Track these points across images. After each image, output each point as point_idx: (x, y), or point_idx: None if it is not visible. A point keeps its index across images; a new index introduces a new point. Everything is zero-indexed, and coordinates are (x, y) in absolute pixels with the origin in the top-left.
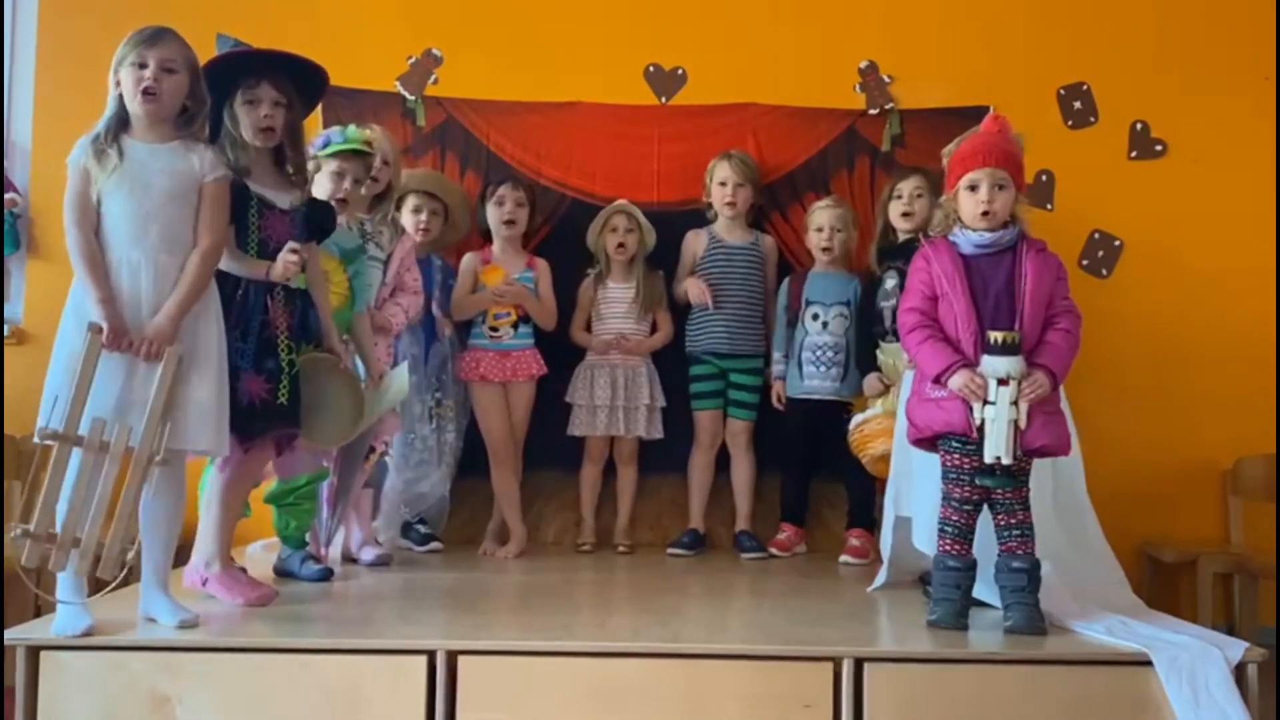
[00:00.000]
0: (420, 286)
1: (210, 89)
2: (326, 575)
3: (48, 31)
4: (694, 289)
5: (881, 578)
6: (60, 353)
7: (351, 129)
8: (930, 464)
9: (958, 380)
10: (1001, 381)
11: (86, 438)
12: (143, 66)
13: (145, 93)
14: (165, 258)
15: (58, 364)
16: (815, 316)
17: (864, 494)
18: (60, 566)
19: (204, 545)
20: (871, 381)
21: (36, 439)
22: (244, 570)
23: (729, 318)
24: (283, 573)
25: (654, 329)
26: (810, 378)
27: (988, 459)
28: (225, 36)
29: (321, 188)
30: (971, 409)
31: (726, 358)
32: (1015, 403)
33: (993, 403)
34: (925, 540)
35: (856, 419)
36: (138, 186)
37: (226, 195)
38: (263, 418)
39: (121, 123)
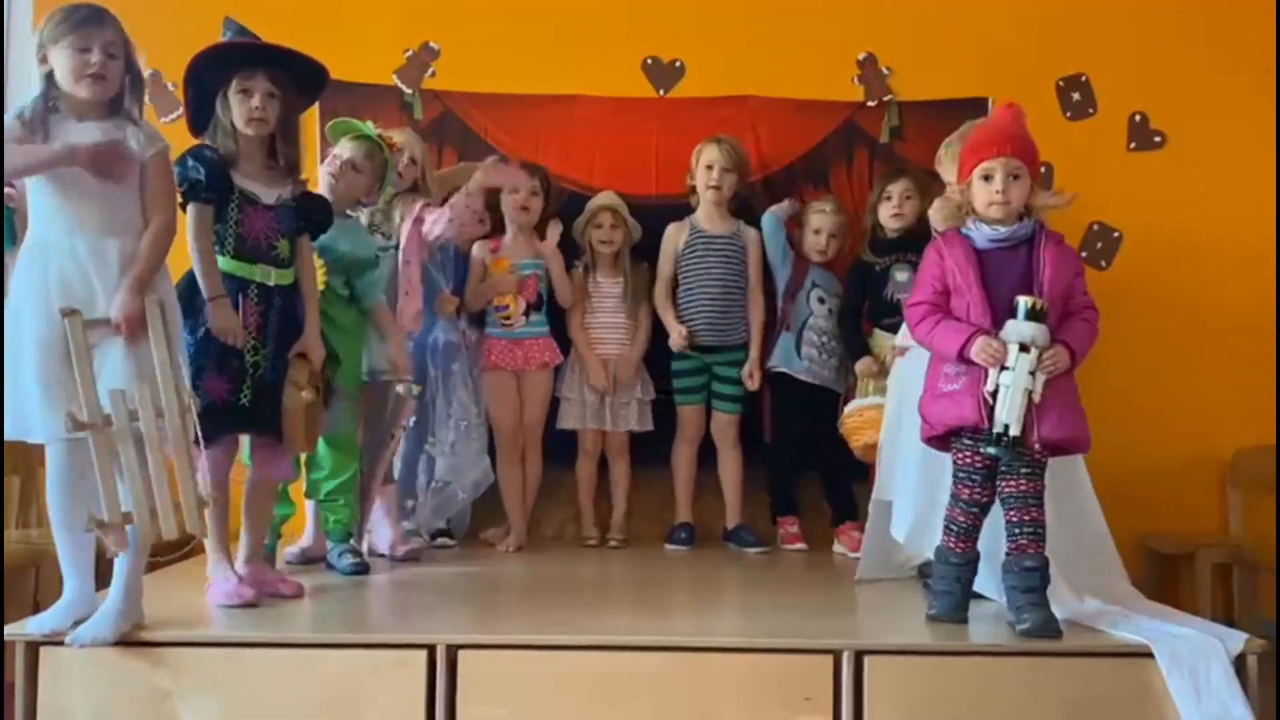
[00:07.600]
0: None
1: (206, 73)
2: (360, 569)
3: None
4: (675, 335)
5: (862, 563)
6: (32, 342)
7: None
8: (915, 452)
9: (978, 346)
10: (1023, 348)
11: (113, 415)
12: (85, 50)
13: (95, 77)
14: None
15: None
16: (821, 300)
17: (847, 487)
18: (151, 540)
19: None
20: (865, 362)
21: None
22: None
23: (711, 309)
24: (331, 566)
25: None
26: (810, 360)
27: (997, 427)
28: (231, 20)
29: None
30: (983, 401)
31: (709, 350)
32: (1033, 373)
33: (1010, 368)
34: (902, 528)
35: (850, 406)
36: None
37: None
38: (221, 418)
39: (51, 103)
